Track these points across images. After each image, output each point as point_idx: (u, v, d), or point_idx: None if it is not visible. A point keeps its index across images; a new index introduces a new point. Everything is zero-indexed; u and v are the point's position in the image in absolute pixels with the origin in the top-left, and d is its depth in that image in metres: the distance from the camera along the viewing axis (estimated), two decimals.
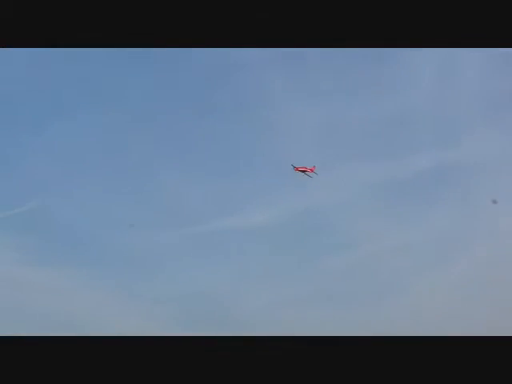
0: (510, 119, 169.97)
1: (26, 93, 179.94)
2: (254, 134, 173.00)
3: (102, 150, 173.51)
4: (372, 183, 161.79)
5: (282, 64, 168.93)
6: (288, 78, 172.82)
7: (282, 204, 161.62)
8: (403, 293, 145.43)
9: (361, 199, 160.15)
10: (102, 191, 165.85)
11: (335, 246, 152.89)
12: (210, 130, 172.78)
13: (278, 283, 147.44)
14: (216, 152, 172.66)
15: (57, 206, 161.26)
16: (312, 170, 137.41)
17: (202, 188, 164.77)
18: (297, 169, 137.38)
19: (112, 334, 57.80)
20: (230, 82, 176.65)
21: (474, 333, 56.80)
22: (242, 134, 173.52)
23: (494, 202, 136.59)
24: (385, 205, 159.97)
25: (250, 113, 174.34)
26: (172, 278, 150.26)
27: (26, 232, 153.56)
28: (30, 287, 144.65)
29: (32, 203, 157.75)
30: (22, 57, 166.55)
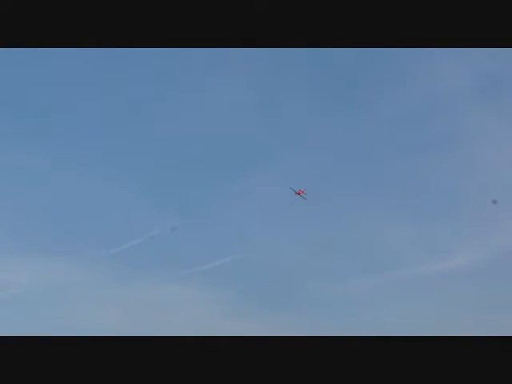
0: None
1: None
2: (456, 170, 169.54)
3: (295, 199, 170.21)
4: None
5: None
6: (488, 111, 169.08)
7: (487, 244, 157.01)
8: None
9: None
10: (298, 240, 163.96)
11: None
12: (412, 169, 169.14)
13: (485, 325, 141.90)
14: (415, 192, 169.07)
15: (255, 257, 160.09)
16: (303, 192, 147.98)
17: (402, 230, 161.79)
18: (296, 193, 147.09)
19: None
20: (433, 119, 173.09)
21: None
22: (443, 172, 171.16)
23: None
24: None
25: (451, 148, 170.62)
26: (373, 323, 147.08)
27: (227, 284, 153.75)
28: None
29: (233, 255, 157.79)
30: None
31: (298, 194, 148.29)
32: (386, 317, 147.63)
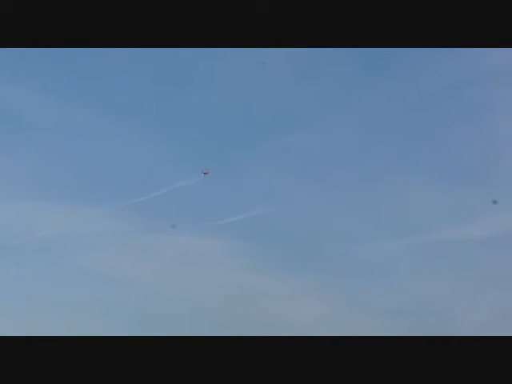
0: None
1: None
2: (485, 143, 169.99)
3: (331, 161, 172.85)
4: None
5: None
6: None
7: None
8: None
9: None
10: (328, 200, 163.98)
11: None
12: (441, 140, 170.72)
13: (505, 295, 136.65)
14: (447, 159, 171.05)
15: (281, 214, 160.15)
16: (208, 173, 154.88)
17: (431, 195, 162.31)
18: (205, 173, 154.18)
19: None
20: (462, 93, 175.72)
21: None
22: (474, 143, 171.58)
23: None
24: None
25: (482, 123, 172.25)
26: (398, 288, 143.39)
27: (250, 238, 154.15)
28: (252, 292, 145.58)
29: (258, 210, 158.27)
30: None
31: (205, 174, 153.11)
32: (409, 279, 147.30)
